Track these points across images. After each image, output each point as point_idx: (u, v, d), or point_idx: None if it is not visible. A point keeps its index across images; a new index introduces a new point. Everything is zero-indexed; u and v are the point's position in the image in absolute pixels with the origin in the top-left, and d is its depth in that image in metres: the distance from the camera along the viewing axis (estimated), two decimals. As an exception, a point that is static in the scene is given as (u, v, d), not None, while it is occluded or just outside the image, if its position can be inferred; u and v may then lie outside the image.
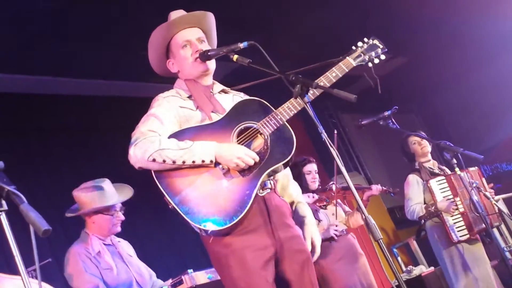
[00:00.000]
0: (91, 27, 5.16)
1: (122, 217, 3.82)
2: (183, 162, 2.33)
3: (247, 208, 2.33)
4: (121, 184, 3.90)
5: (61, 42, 5.21)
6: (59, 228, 4.73)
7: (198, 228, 2.32)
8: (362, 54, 2.78)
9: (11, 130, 5.30)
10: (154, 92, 2.69)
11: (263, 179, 2.42)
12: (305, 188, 4.82)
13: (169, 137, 2.43)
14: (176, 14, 2.70)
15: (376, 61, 2.79)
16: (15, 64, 5.31)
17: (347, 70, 2.69)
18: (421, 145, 5.06)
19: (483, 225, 4.45)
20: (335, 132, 4.56)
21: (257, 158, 2.39)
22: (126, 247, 3.91)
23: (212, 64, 2.67)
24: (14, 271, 2.61)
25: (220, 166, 2.39)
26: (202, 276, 3.61)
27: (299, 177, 4.77)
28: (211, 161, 2.35)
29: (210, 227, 2.29)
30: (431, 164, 5.13)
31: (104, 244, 3.75)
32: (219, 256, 2.42)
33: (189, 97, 2.63)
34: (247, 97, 2.74)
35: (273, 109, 2.55)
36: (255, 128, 2.51)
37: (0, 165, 1.84)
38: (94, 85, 6.13)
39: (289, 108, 2.51)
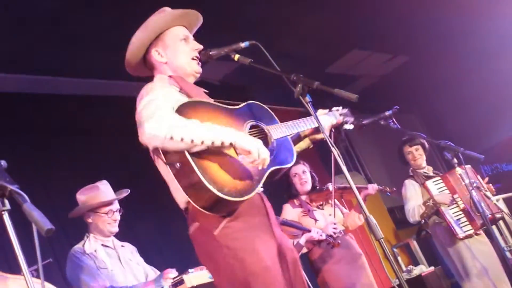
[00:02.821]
0: (90, 27, 5.16)
1: (117, 217, 3.84)
2: (202, 142, 2.18)
3: (254, 191, 2.32)
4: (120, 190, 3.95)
5: (62, 42, 5.21)
6: (59, 228, 4.74)
7: (204, 195, 2.21)
8: (344, 115, 3.09)
9: (12, 130, 5.29)
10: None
11: (268, 174, 2.42)
12: (295, 193, 4.82)
13: (191, 102, 2.36)
14: (170, 9, 2.65)
15: (348, 127, 3.14)
16: (17, 63, 5.31)
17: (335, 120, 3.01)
18: (415, 158, 5.13)
19: (488, 217, 4.49)
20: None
21: (268, 159, 2.34)
22: (127, 252, 3.93)
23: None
24: (14, 270, 2.63)
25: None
26: (203, 276, 3.61)
27: (286, 179, 4.79)
28: (231, 144, 2.25)
29: (224, 194, 2.20)
30: (426, 169, 5.17)
31: (103, 245, 3.79)
32: (225, 252, 2.31)
33: (180, 91, 2.51)
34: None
35: (278, 120, 2.65)
36: (263, 129, 2.55)
37: (3, 164, 1.84)
38: (95, 85, 6.13)
39: (299, 124, 2.69)
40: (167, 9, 2.66)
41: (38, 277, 2.17)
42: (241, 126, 2.49)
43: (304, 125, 2.73)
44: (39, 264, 1.81)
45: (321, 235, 4.44)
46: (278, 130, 2.58)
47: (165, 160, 2.31)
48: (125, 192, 3.92)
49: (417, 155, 5.13)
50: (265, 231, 2.42)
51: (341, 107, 3.10)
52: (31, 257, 1.92)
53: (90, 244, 3.72)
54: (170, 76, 2.56)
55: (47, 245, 4.79)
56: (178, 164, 2.25)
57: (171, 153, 2.26)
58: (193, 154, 2.22)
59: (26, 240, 1.86)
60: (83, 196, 3.82)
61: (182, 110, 2.29)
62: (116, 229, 3.84)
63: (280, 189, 4.81)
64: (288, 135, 2.64)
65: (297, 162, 4.80)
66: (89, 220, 3.81)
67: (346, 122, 3.08)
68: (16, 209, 1.87)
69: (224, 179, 2.25)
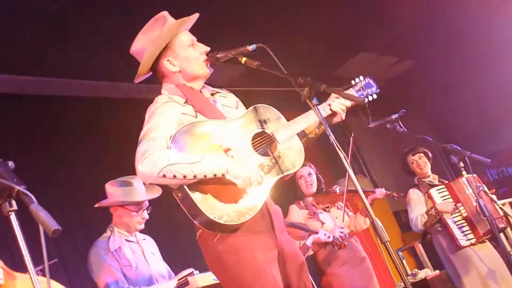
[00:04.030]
0: (91, 29, 5.16)
1: (146, 216, 3.83)
2: (194, 176, 2.27)
3: (259, 208, 2.38)
4: (152, 185, 3.85)
5: (64, 43, 5.21)
6: (64, 229, 4.73)
7: (207, 221, 2.31)
8: (362, 89, 2.94)
9: (16, 130, 5.30)
10: (158, 94, 2.65)
11: (274, 184, 2.47)
12: (300, 195, 4.82)
13: (188, 127, 2.40)
14: (168, 15, 2.66)
15: (371, 98, 2.96)
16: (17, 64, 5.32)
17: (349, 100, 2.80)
18: (420, 166, 5.13)
19: (488, 227, 4.46)
20: (352, 135, 4.60)
21: (263, 181, 2.39)
22: (150, 245, 3.94)
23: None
24: (19, 270, 2.63)
25: None
26: (208, 278, 3.61)
27: (292, 183, 4.78)
28: (223, 175, 2.32)
29: (224, 220, 2.29)
30: (431, 178, 5.17)
31: (127, 240, 3.77)
32: (225, 255, 2.40)
33: (185, 102, 2.56)
34: (229, 94, 2.80)
35: (285, 119, 2.64)
36: (268, 134, 2.57)
37: (11, 165, 1.85)
38: (97, 87, 6.14)
39: (303, 119, 2.63)
40: (167, 16, 2.66)
41: (44, 276, 2.18)
42: (244, 139, 2.51)
43: (312, 118, 2.68)
44: (45, 264, 1.82)
45: (328, 237, 4.44)
46: (284, 131, 2.59)
47: (170, 187, 2.41)
48: (157, 192, 3.84)
49: (422, 163, 5.14)
50: (267, 237, 2.46)
51: (360, 79, 2.99)
52: (37, 257, 1.93)
53: (115, 240, 3.70)
54: (177, 85, 2.60)
55: (52, 246, 4.81)
56: (180, 194, 2.35)
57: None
58: (191, 185, 2.30)
59: (32, 240, 1.87)
60: (115, 189, 3.77)
61: (178, 138, 2.37)
62: (142, 226, 3.84)
63: (285, 190, 4.80)
64: (296, 133, 2.63)
65: (303, 164, 4.80)
66: (116, 214, 3.79)
67: (367, 96, 2.97)
68: (23, 210, 1.89)
69: (225, 206, 2.33)
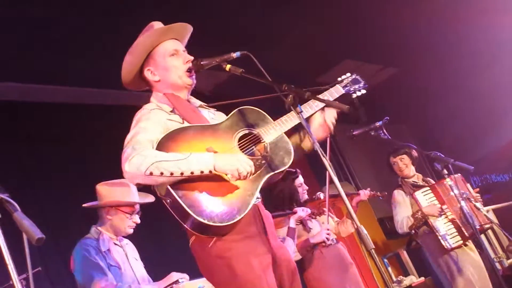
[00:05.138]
0: (80, 35, 5.15)
1: (138, 221, 3.77)
2: (181, 173, 2.26)
3: (249, 207, 2.35)
4: (144, 193, 3.80)
5: (52, 49, 5.19)
6: (49, 238, 4.69)
7: (197, 224, 2.29)
8: (348, 85, 2.94)
9: (1, 138, 5.26)
10: (147, 101, 2.65)
11: (263, 184, 2.45)
12: (298, 202, 4.82)
13: (171, 133, 2.40)
14: (158, 25, 2.68)
15: (359, 93, 2.97)
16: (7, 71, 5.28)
17: (337, 96, 2.85)
18: (400, 168, 5.17)
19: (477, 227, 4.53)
20: (331, 134, 4.60)
21: (253, 169, 2.39)
22: (132, 250, 3.88)
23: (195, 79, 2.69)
24: (3, 279, 2.60)
25: None
26: (193, 286, 3.60)
27: (291, 190, 4.76)
28: (210, 171, 2.31)
29: (213, 222, 2.27)
30: (415, 178, 5.20)
31: (114, 243, 3.72)
32: (220, 260, 2.38)
33: (172, 111, 2.57)
34: (218, 112, 2.78)
35: (271, 119, 2.62)
36: (255, 134, 2.56)
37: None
38: (86, 93, 6.11)
39: (290, 119, 2.60)
40: (155, 25, 2.67)
41: (27, 286, 2.16)
42: (229, 141, 2.50)
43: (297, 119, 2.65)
44: (29, 273, 1.80)
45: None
46: (272, 131, 2.58)
47: (158, 194, 2.38)
48: (151, 198, 3.74)
49: (402, 165, 5.17)
50: (260, 242, 2.45)
51: (347, 75, 3.00)
52: (21, 266, 1.91)
53: (104, 243, 3.63)
54: (165, 94, 2.62)
55: (36, 254, 4.76)
56: (168, 200, 2.33)
57: (160, 188, 2.34)
58: (179, 188, 2.29)
59: (15, 249, 1.86)
60: (110, 189, 3.68)
61: (163, 143, 2.36)
62: (132, 231, 3.77)
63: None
64: (282, 134, 2.61)
65: (299, 173, 4.82)
66: (108, 216, 3.70)
67: (354, 92, 2.98)
68: (7, 218, 1.87)
69: (214, 207, 2.30)
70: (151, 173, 2.24)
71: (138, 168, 2.25)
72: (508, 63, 8.90)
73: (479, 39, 7.94)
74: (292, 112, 2.57)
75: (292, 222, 4.47)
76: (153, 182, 2.31)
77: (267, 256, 2.43)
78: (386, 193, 5.20)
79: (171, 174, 2.25)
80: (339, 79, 2.96)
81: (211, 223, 2.26)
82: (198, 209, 2.27)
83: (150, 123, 2.45)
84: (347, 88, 2.92)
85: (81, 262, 3.53)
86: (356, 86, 2.96)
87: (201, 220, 2.25)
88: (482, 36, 7.87)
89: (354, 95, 2.96)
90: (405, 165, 5.16)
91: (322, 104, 2.73)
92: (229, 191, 2.36)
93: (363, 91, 2.99)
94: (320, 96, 2.77)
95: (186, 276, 3.59)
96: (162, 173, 2.24)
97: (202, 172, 2.29)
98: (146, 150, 2.30)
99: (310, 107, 2.71)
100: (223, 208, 2.31)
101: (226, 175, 2.33)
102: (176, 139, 2.40)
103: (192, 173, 2.27)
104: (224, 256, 2.36)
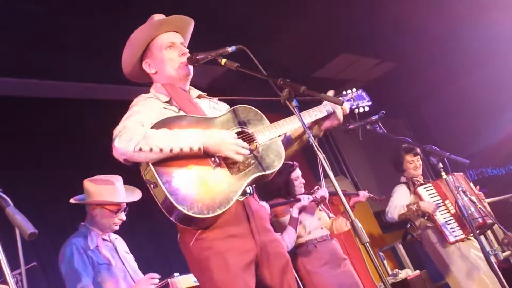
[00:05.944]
0: (79, 31, 5.13)
1: (124, 218, 3.76)
2: (171, 150, 2.26)
3: (230, 203, 2.35)
4: (132, 187, 3.82)
5: (51, 45, 5.18)
6: (43, 232, 4.69)
7: (178, 214, 2.28)
8: (352, 100, 2.99)
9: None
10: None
11: (248, 182, 2.45)
12: (293, 195, 4.81)
13: (166, 121, 2.40)
14: (159, 17, 2.69)
15: (361, 110, 3.02)
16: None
17: (336, 106, 2.82)
18: (416, 167, 5.17)
19: (477, 222, 4.55)
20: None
21: (248, 152, 2.41)
22: (122, 243, 3.88)
23: (192, 70, 2.69)
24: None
25: (213, 158, 2.39)
26: (188, 280, 3.60)
27: (287, 183, 4.75)
28: (199, 149, 2.32)
29: (193, 212, 2.26)
30: (419, 178, 5.23)
31: (103, 239, 3.71)
32: (199, 259, 2.39)
33: (168, 101, 2.58)
34: (221, 102, 2.80)
35: (268, 122, 2.63)
36: (249, 134, 2.56)
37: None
38: (83, 88, 6.10)
39: (287, 123, 2.63)
40: (155, 17, 2.69)
41: (22, 281, 2.15)
42: None
43: (296, 123, 2.67)
44: (22, 269, 1.80)
45: (309, 199, 4.51)
46: (266, 133, 2.57)
47: (144, 178, 2.38)
48: (138, 195, 3.78)
49: (419, 164, 5.21)
50: (243, 239, 2.44)
51: (352, 90, 3.05)
52: (15, 261, 1.91)
53: (92, 241, 3.63)
54: (163, 84, 2.64)
55: (31, 249, 4.75)
56: (152, 185, 2.32)
57: (146, 171, 2.34)
58: (164, 174, 2.29)
59: (10, 244, 1.85)
60: (96, 187, 3.68)
61: (156, 127, 2.36)
62: (117, 228, 3.76)
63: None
64: (277, 137, 2.61)
65: (296, 166, 4.81)
66: (93, 213, 3.69)
67: (358, 108, 3.02)
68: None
69: (196, 197, 2.30)
70: (140, 149, 2.24)
71: (127, 144, 2.26)
72: (504, 59, 8.92)
73: (476, 35, 7.94)
74: (290, 117, 2.60)
75: (295, 211, 4.46)
76: (142, 159, 2.29)
77: (248, 254, 2.42)
78: (384, 197, 5.21)
79: (160, 150, 2.25)
80: (344, 92, 3.00)
81: (190, 213, 2.25)
82: (179, 198, 2.26)
83: (145, 108, 2.47)
84: (350, 102, 2.98)
85: (69, 259, 3.53)
86: (360, 102, 3.01)
87: (181, 209, 2.24)
88: (479, 32, 7.88)
89: (357, 111, 3.00)
90: (420, 164, 5.22)
91: (321, 114, 2.76)
92: (213, 185, 2.36)
93: (367, 108, 3.02)
94: (321, 106, 2.80)
95: (156, 276, 3.60)
96: (151, 149, 2.25)
97: (191, 149, 2.30)
98: (138, 129, 2.31)
99: (310, 116, 2.74)
100: (204, 200, 2.30)
101: (214, 156, 2.36)
102: (169, 126, 2.39)
103: (181, 149, 2.28)
104: (202, 255, 2.38)
